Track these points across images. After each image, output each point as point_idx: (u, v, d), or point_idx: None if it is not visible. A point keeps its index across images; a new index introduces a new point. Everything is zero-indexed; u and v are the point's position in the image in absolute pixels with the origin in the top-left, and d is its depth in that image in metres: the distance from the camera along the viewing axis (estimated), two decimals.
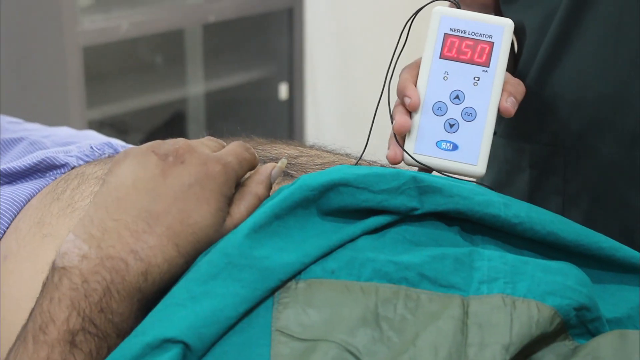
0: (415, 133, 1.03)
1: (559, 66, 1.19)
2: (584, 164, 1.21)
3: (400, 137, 1.04)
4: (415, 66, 1.06)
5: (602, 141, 1.18)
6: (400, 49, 1.07)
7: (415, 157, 1.03)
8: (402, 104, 1.05)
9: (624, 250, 0.92)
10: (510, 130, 1.28)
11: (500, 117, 1.27)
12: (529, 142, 1.26)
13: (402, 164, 1.04)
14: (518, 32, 1.24)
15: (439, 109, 1.03)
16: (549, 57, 1.19)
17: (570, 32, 1.17)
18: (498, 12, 1.28)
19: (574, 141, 1.21)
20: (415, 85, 1.04)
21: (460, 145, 1.03)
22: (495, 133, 1.30)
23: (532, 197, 1.26)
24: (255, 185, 0.91)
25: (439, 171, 1.04)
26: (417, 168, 1.05)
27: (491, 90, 1.03)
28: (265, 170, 0.93)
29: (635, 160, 1.17)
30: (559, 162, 1.23)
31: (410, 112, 1.04)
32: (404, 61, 1.08)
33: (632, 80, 1.15)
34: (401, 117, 1.03)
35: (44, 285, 0.84)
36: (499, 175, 1.31)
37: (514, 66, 1.26)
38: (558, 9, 1.17)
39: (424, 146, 1.03)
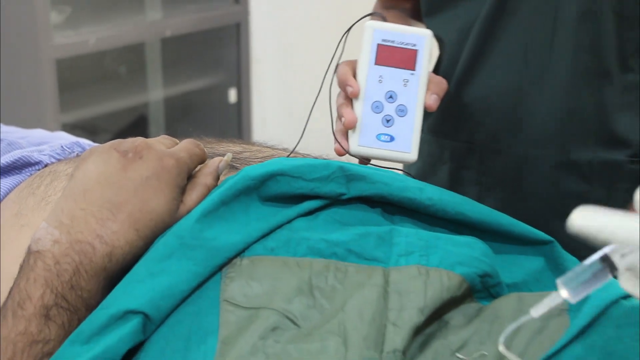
0: (358, 129, 1.05)
1: (476, 76, 1.20)
2: (496, 159, 1.22)
3: (344, 133, 1.05)
4: (351, 61, 1.07)
5: (512, 140, 1.19)
6: (338, 58, 1.08)
7: (359, 150, 1.05)
8: (345, 93, 1.06)
9: (520, 227, 0.93)
10: (434, 128, 1.29)
11: (427, 115, 1.29)
12: (449, 140, 1.27)
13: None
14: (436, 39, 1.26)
15: (376, 107, 1.05)
16: (466, 68, 1.20)
17: (484, 47, 1.18)
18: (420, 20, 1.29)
19: (487, 140, 1.21)
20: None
21: (396, 137, 1.05)
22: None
23: (452, 186, 1.27)
24: (204, 177, 0.91)
25: (380, 159, 1.06)
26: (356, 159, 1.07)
27: (418, 90, 1.05)
28: (213, 163, 0.93)
29: (539, 155, 1.18)
30: (475, 158, 1.24)
31: (353, 110, 1.05)
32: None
33: (536, 89, 1.16)
34: (350, 114, 1.04)
35: (21, 267, 0.83)
36: (424, 167, 1.31)
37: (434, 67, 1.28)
38: (473, 26, 1.18)
39: (366, 139, 1.05)
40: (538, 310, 0.68)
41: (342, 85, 1.06)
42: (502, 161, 1.21)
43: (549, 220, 1.19)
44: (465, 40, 1.19)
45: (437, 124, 1.28)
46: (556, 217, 1.19)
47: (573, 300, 0.66)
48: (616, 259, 0.65)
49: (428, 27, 1.25)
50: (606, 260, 0.65)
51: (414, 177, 1.02)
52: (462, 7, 1.19)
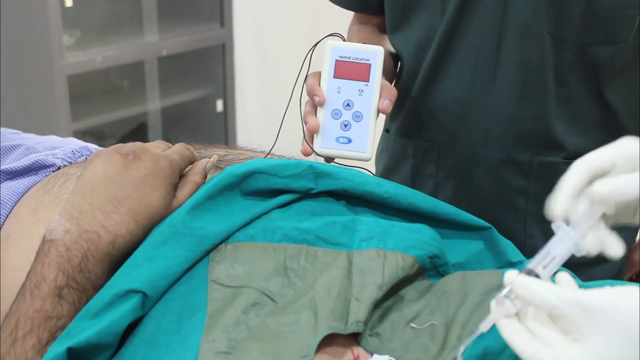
0: (321, 133, 1.04)
1: (433, 86, 1.19)
2: (450, 156, 1.22)
3: (310, 137, 1.05)
4: (318, 73, 1.07)
5: (464, 140, 1.19)
6: (306, 72, 1.08)
7: (321, 151, 1.05)
8: (312, 102, 1.05)
9: (463, 215, 0.94)
10: (399, 130, 1.29)
11: (391, 120, 1.29)
12: (412, 139, 1.27)
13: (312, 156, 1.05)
14: (396, 55, 1.26)
15: (336, 114, 1.04)
16: (426, 79, 1.20)
17: (440, 62, 1.18)
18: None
19: (444, 139, 1.22)
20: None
21: (353, 139, 1.05)
22: (387, 131, 1.32)
23: (414, 179, 1.27)
24: (194, 175, 0.91)
25: (340, 158, 1.06)
26: (322, 158, 1.07)
27: (372, 98, 1.05)
28: (201, 164, 0.92)
29: (486, 154, 1.18)
30: (433, 154, 1.24)
31: (317, 117, 1.05)
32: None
33: (484, 98, 1.16)
34: (313, 120, 1.04)
35: (37, 254, 0.83)
36: (390, 163, 1.32)
37: (393, 76, 1.28)
38: (429, 42, 1.18)
39: (327, 142, 1.05)
40: (486, 325, 0.67)
41: (310, 95, 1.06)
42: (456, 157, 1.21)
43: (494, 210, 1.20)
44: (423, 55, 1.20)
45: (402, 126, 1.28)
46: (500, 207, 1.21)
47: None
48: (539, 271, 0.66)
49: (391, 43, 1.26)
50: (531, 273, 0.66)
51: (373, 175, 1.02)
52: (417, 23, 1.19)
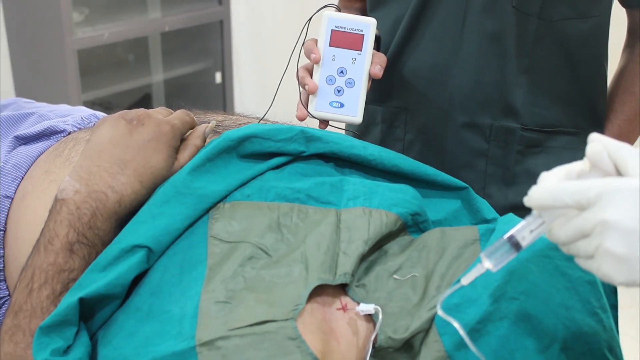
0: (316, 97, 1.04)
1: (403, 57, 1.19)
2: (418, 120, 1.21)
3: (305, 101, 1.05)
4: (315, 40, 1.06)
5: (429, 106, 1.19)
6: (302, 42, 1.07)
7: (316, 113, 1.05)
8: (306, 67, 1.05)
9: (442, 176, 0.93)
10: (369, 96, 1.29)
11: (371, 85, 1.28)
12: (381, 106, 1.26)
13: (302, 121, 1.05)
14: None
15: (330, 80, 1.04)
16: (397, 51, 1.19)
17: (412, 32, 1.17)
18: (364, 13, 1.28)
19: (412, 105, 1.21)
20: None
21: (346, 104, 1.05)
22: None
23: (383, 143, 1.27)
24: (194, 139, 0.90)
25: (332, 121, 1.06)
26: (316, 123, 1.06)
27: (364, 66, 1.04)
28: (201, 128, 0.92)
29: (451, 118, 1.18)
30: (401, 120, 1.23)
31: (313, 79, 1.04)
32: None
33: (450, 64, 1.15)
34: (311, 83, 1.04)
35: (50, 212, 0.83)
36: (360, 128, 1.31)
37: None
38: (403, 18, 1.18)
39: (322, 105, 1.04)
40: (467, 279, 0.67)
41: (308, 53, 1.05)
42: (423, 122, 1.21)
43: (456, 171, 1.19)
44: (396, 30, 1.19)
45: (372, 93, 1.27)
46: (461, 168, 1.20)
47: (494, 269, 0.65)
48: (525, 234, 0.64)
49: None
50: (512, 238, 0.64)
51: (360, 137, 1.01)
52: (394, 3, 1.19)
